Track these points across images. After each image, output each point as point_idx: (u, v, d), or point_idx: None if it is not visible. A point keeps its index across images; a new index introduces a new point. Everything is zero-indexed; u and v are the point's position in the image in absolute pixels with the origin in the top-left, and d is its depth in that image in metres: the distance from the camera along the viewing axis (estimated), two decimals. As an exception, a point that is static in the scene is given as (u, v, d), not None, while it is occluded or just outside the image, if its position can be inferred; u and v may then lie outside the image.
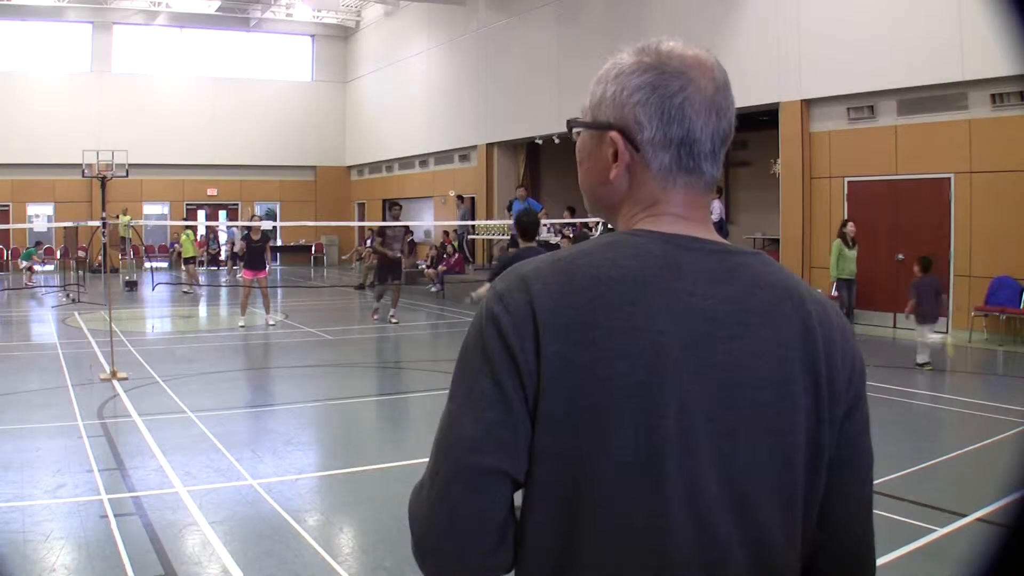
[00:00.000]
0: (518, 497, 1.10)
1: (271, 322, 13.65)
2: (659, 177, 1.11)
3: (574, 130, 1.20)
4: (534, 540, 1.07)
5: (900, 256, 12.47)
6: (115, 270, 21.15)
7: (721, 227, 14.85)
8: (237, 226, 24.51)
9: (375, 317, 14.11)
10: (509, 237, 18.16)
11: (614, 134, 1.12)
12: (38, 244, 24.79)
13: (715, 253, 1.10)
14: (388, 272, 14.01)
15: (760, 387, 1.05)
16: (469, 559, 1.07)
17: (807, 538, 1.11)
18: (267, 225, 27.89)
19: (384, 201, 28.62)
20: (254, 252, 13.50)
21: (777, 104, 13.86)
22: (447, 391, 1.10)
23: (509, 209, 18.19)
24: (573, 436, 1.03)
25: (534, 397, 1.03)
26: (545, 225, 18.45)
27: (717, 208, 14.89)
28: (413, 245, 24.02)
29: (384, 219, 14.31)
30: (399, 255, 13.99)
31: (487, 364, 1.05)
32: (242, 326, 13.31)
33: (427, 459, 1.11)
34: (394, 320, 13.87)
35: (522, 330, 1.04)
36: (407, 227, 15.03)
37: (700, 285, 1.06)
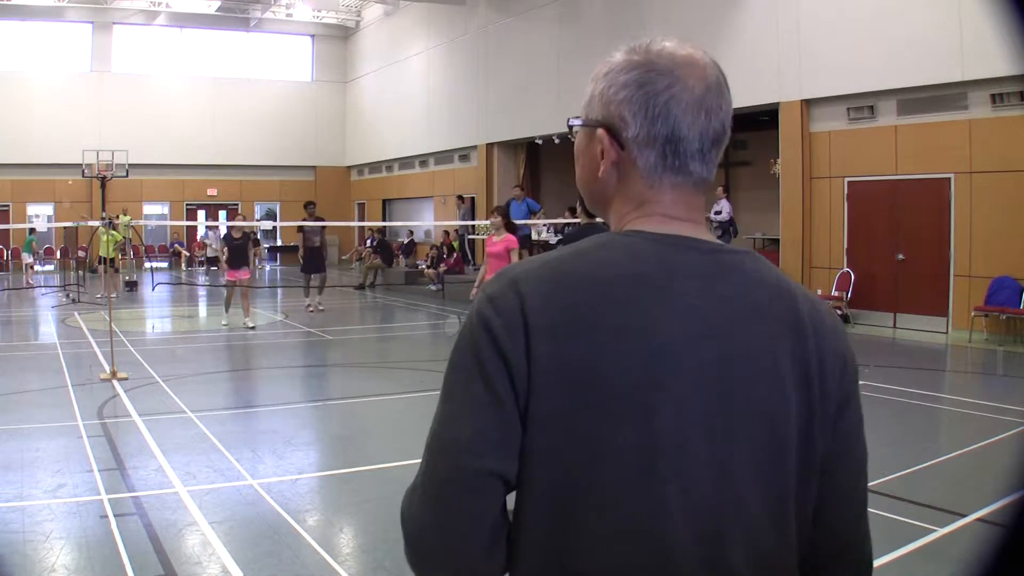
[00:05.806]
0: (511, 500, 1.09)
1: (250, 324, 13.11)
2: (646, 175, 1.12)
3: (573, 129, 1.21)
4: (527, 540, 1.07)
5: (900, 256, 12.48)
6: (115, 270, 21.09)
7: (731, 226, 14.84)
8: (217, 226, 24.45)
9: (310, 311, 14.90)
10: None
11: (600, 131, 1.13)
12: (33, 231, 24.01)
13: (708, 252, 1.10)
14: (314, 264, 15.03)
15: (753, 384, 1.06)
16: (462, 561, 1.06)
17: (802, 535, 1.11)
18: (267, 225, 27.99)
19: (384, 201, 28.66)
20: (235, 251, 13.27)
21: (777, 104, 13.83)
22: None
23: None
24: (567, 436, 1.03)
25: (525, 398, 1.03)
26: (545, 225, 18.47)
27: (726, 208, 14.83)
28: (413, 245, 24.11)
29: (305, 219, 15.01)
30: (317, 245, 15.00)
31: (478, 366, 1.05)
32: (225, 324, 13.42)
33: None
34: (321, 308, 15.07)
35: (512, 332, 1.04)
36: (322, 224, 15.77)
37: (693, 284, 1.07)
